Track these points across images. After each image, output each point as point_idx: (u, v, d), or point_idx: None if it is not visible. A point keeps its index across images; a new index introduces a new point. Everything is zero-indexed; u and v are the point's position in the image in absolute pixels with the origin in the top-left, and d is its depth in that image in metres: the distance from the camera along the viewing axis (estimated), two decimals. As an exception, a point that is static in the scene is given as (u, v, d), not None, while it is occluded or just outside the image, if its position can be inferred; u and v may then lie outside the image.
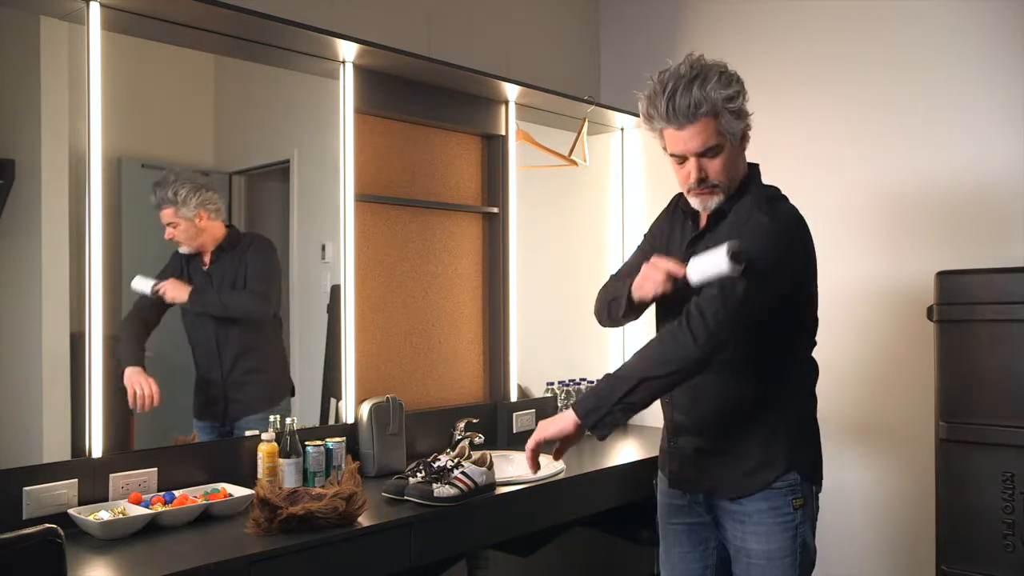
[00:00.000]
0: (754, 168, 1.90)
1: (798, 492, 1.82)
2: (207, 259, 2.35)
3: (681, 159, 1.80)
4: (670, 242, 1.97)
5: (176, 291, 2.30)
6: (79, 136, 2.01)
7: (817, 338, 1.92)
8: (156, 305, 2.26)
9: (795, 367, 1.87)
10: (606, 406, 1.72)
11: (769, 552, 1.81)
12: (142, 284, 2.24)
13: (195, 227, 2.31)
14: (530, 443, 1.80)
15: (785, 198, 1.87)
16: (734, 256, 1.65)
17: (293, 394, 2.52)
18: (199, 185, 2.31)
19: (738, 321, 1.70)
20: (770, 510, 1.81)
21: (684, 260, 1.80)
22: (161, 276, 2.27)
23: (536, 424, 3.02)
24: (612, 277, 2.15)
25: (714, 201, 1.81)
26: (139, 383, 2.17)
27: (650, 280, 1.81)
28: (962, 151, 2.71)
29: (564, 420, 1.77)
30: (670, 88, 1.75)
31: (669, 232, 1.98)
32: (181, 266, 2.31)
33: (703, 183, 1.79)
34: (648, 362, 1.73)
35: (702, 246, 1.83)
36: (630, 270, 2.06)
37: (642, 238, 2.11)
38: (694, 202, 1.84)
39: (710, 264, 1.69)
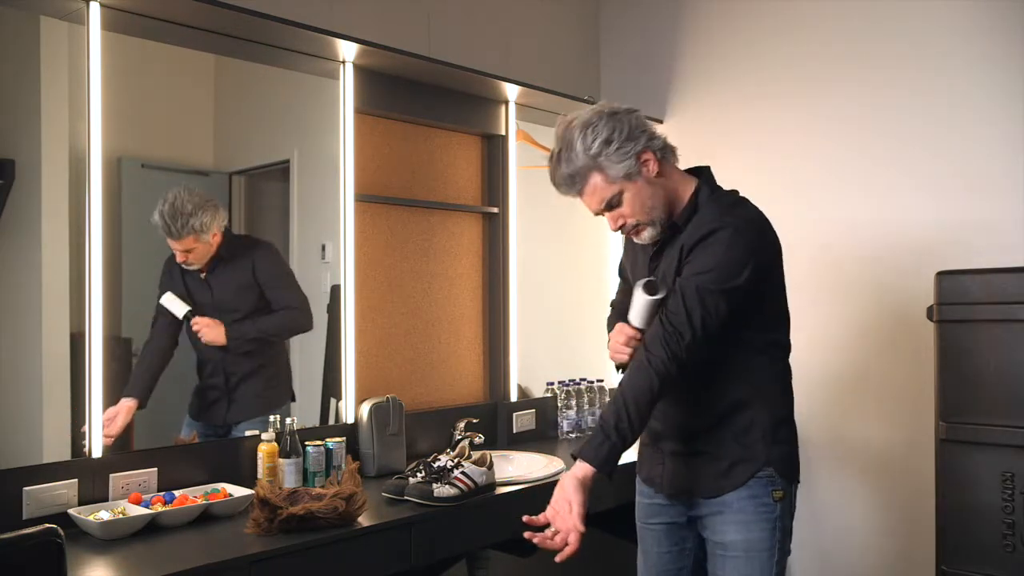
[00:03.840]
0: (703, 175, 1.88)
1: (778, 484, 1.81)
2: (204, 268, 2.33)
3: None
4: (636, 258, 1.98)
5: (214, 334, 2.30)
6: (79, 136, 2.01)
7: (792, 338, 1.92)
8: (173, 328, 2.26)
9: (768, 367, 1.86)
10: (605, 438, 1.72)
11: (748, 542, 1.80)
12: (174, 304, 2.23)
13: (209, 246, 2.30)
14: (579, 522, 1.74)
15: (744, 202, 1.86)
16: (647, 286, 1.79)
17: (294, 399, 2.51)
18: (215, 205, 2.29)
19: (708, 330, 1.72)
20: (750, 498, 1.80)
21: (648, 275, 1.88)
22: (162, 289, 2.25)
23: (535, 425, 3.05)
24: (611, 304, 2.17)
25: (647, 234, 1.83)
26: (117, 413, 2.09)
27: (617, 352, 1.89)
28: (962, 151, 2.71)
29: (576, 482, 1.73)
30: (550, 171, 1.83)
31: (634, 252, 2.00)
32: (178, 277, 2.28)
33: (623, 228, 1.84)
34: (627, 396, 1.74)
35: (664, 259, 1.85)
36: (620, 295, 2.12)
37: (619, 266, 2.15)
38: (635, 239, 1.88)
39: (638, 305, 1.81)
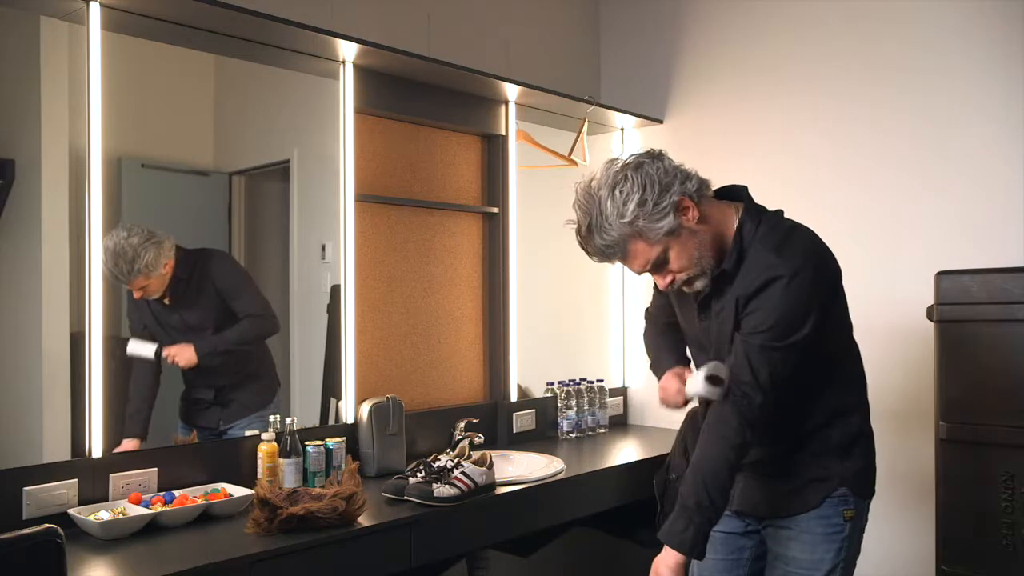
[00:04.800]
0: (743, 201, 1.76)
1: (850, 504, 1.77)
2: (164, 294, 2.29)
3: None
4: (680, 294, 1.85)
5: (186, 356, 2.28)
6: (79, 136, 2.01)
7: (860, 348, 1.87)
8: (153, 362, 2.25)
9: (839, 388, 1.80)
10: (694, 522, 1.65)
11: (811, 562, 1.77)
12: (142, 348, 2.20)
13: (163, 276, 2.25)
14: None
15: (793, 231, 1.73)
16: (710, 379, 1.67)
17: (279, 384, 2.50)
18: (156, 239, 2.21)
19: (778, 386, 1.66)
20: (819, 519, 1.77)
21: (700, 316, 1.79)
22: (131, 320, 2.22)
23: (535, 425, 3.05)
24: (646, 313, 2.12)
25: (700, 284, 1.72)
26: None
27: (666, 403, 1.86)
28: (962, 150, 2.71)
29: (669, 573, 1.66)
30: (580, 242, 1.71)
31: None
32: (143, 305, 2.25)
33: (674, 284, 1.73)
34: (704, 473, 1.67)
35: (714, 303, 1.76)
36: (657, 309, 2.06)
37: None
38: (687, 291, 1.77)
39: (696, 384, 1.71)
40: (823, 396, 1.78)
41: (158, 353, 2.24)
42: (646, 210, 1.62)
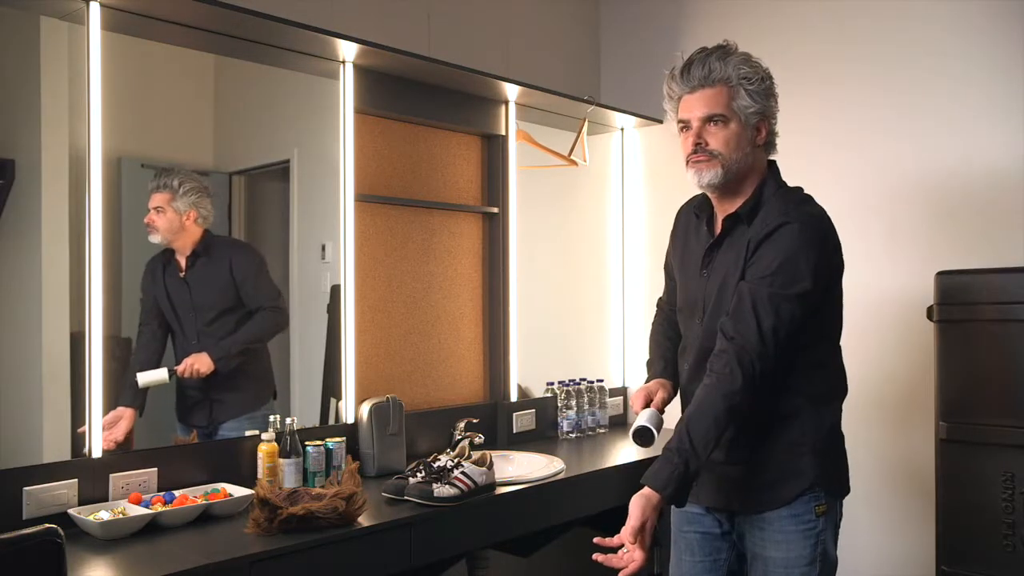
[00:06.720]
0: (772, 168, 1.88)
1: (821, 499, 1.78)
2: (183, 264, 2.32)
3: (687, 125, 1.81)
4: (686, 251, 1.94)
5: (204, 363, 2.30)
6: (79, 136, 2.01)
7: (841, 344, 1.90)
8: (159, 343, 2.27)
9: (822, 376, 1.82)
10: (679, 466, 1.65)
11: (788, 560, 1.77)
12: (154, 376, 2.22)
13: (179, 222, 2.28)
14: (628, 535, 1.66)
15: (810, 199, 1.85)
16: (638, 432, 1.80)
17: (275, 397, 2.50)
18: (202, 187, 2.31)
19: (779, 341, 1.69)
20: (791, 517, 1.78)
21: (703, 269, 1.85)
22: (143, 289, 2.24)
23: (535, 425, 3.05)
24: (658, 301, 2.18)
25: (709, 175, 1.79)
26: (120, 418, 2.12)
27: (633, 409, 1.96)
28: (962, 151, 2.71)
29: (637, 499, 1.67)
30: (691, 57, 1.82)
31: (683, 242, 1.96)
32: (159, 278, 2.28)
33: (700, 148, 1.79)
34: (690, 415, 1.70)
35: (720, 254, 1.82)
36: (669, 294, 2.12)
37: (664, 267, 2.14)
38: (690, 175, 1.82)
39: (636, 422, 1.83)
40: (804, 381, 1.79)
41: (172, 374, 2.26)
42: (752, 88, 1.77)
